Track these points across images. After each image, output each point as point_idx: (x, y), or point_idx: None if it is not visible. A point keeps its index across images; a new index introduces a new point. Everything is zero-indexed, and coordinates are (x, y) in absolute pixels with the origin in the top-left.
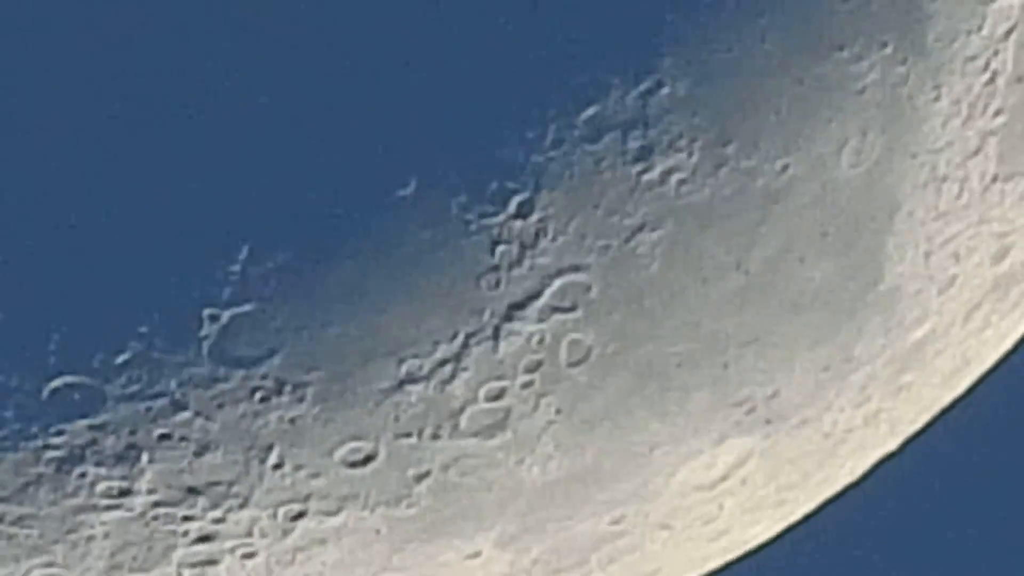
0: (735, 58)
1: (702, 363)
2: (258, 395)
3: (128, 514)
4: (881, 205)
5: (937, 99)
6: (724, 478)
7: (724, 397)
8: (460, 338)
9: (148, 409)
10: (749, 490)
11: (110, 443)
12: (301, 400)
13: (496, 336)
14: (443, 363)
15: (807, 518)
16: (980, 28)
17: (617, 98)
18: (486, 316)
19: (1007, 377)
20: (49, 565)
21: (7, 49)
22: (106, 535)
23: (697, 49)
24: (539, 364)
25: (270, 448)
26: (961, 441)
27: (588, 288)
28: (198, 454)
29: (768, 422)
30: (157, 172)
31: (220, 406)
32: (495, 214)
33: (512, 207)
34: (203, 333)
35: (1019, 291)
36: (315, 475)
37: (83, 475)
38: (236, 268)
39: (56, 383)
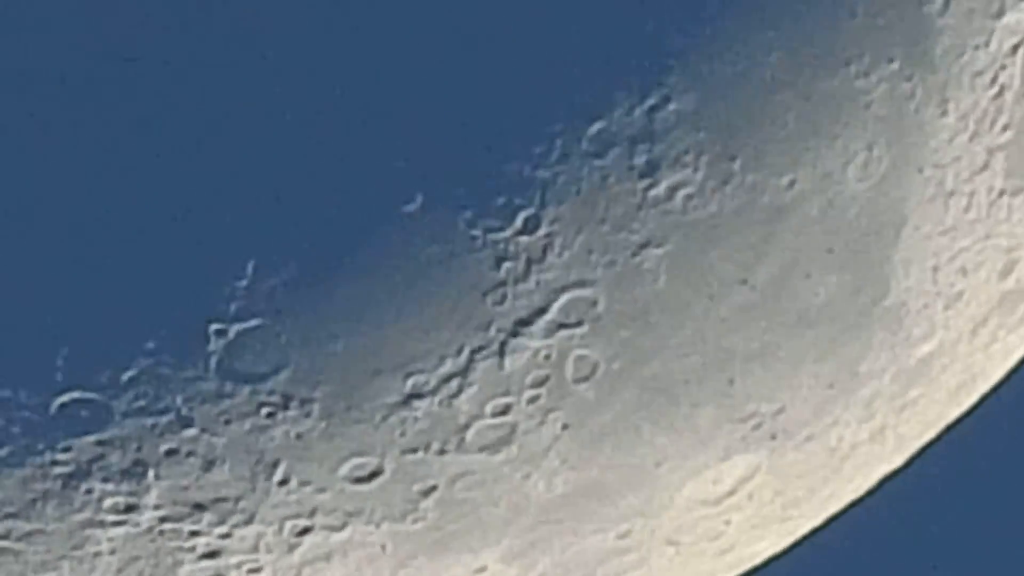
0: (741, 73)
1: (708, 378)
2: (264, 410)
3: (135, 530)
4: (888, 220)
5: (944, 114)
6: (730, 493)
7: (730, 412)
8: (466, 353)
9: (155, 425)
10: (755, 505)
11: (117, 459)
12: (307, 415)
13: (502, 351)
14: (449, 378)
15: (813, 533)
16: (987, 43)
17: (623, 113)
18: (492, 331)
19: (1015, 393)
20: None
21: (15, 68)
22: (112, 551)
23: (703, 64)
24: (545, 379)
25: (276, 464)
26: (967, 457)
27: (594, 303)
28: (204, 469)
29: (774, 438)
30: (164, 189)
31: (226, 422)
32: (501, 229)
33: (518, 222)
34: (210, 349)
35: None
36: (321, 490)
37: (90, 491)
38: (242, 284)
39: (63, 399)
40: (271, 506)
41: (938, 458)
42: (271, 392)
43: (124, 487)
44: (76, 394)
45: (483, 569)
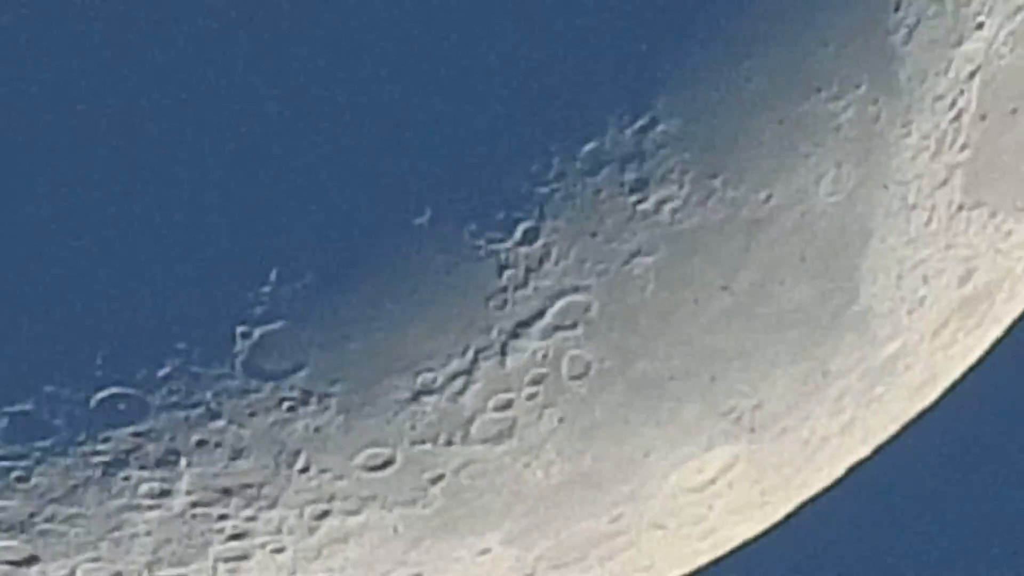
0: (723, 98)
1: (692, 376)
2: (286, 405)
3: (168, 513)
4: (856, 232)
5: (907, 135)
6: (712, 481)
7: (712, 407)
8: (470, 354)
9: (186, 417)
10: (735, 492)
11: (152, 448)
12: (325, 410)
13: (503, 352)
14: (455, 376)
15: (787, 518)
16: (947, 70)
17: (615, 134)
18: (494, 334)
19: (972, 389)
20: (96, 560)
21: (55, 89)
22: (148, 532)
23: (688, 89)
24: (543, 377)
25: (297, 453)
26: (929, 449)
27: (588, 308)
28: (232, 458)
29: (752, 430)
30: (198, 205)
31: (251, 415)
32: (502, 240)
33: (518, 234)
34: (236, 349)
35: (982, 310)
36: (338, 478)
37: (127, 478)
38: (266, 290)
39: (103, 394)
40: (293, 492)
41: (902, 449)
42: (292, 388)
43: (158, 474)
44: (115, 389)
45: (486, 551)
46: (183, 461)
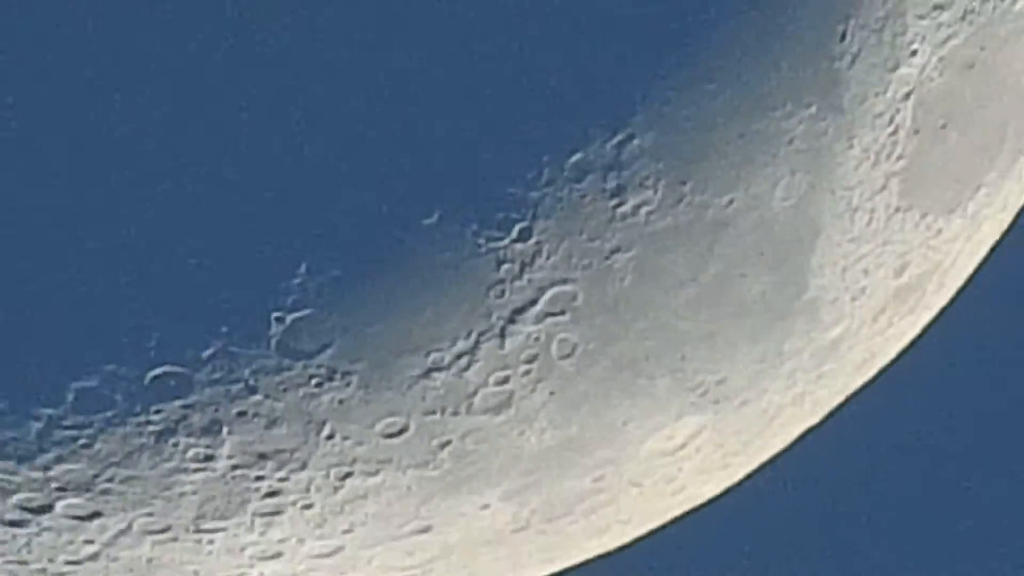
0: (691, 115)
1: (664, 356)
2: (314, 381)
3: (212, 475)
4: (806, 231)
5: (851, 147)
6: (682, 446)
7: (681, 383)
8: (473, 336)
9: (228, 392)
10: (701, 456)
11: (197, 419)
12: (348, 385)
13: (502, 335)
14: (460, 356)
15: (747, 478)
16: (885, 91)
17: (597, 147)
18: (494, 319)
19: (906, 367)
20: (149, 515)
21: (99, 84)
22: (194, 492)
23: (661, 109)
24: (536, 357)
25: (324, 423)
26: (868, 417)
27: (574, 297)
28: (267, 428)
29: (717, 402)
30: (239, 210)
31: (284, 390)
32: (500, 239)
33: (514, 233)
34: (271, 332)
35: (915, 299)
36: (359, 444)
37: (176, 444)
38: (297, 281)
39: (155, 372)
40: (320, 456)
41: (845, 418)
42: (319, 367)
43: (203, 441)
44: (166, 368)
45: (487, 506)
46: (225, 430)
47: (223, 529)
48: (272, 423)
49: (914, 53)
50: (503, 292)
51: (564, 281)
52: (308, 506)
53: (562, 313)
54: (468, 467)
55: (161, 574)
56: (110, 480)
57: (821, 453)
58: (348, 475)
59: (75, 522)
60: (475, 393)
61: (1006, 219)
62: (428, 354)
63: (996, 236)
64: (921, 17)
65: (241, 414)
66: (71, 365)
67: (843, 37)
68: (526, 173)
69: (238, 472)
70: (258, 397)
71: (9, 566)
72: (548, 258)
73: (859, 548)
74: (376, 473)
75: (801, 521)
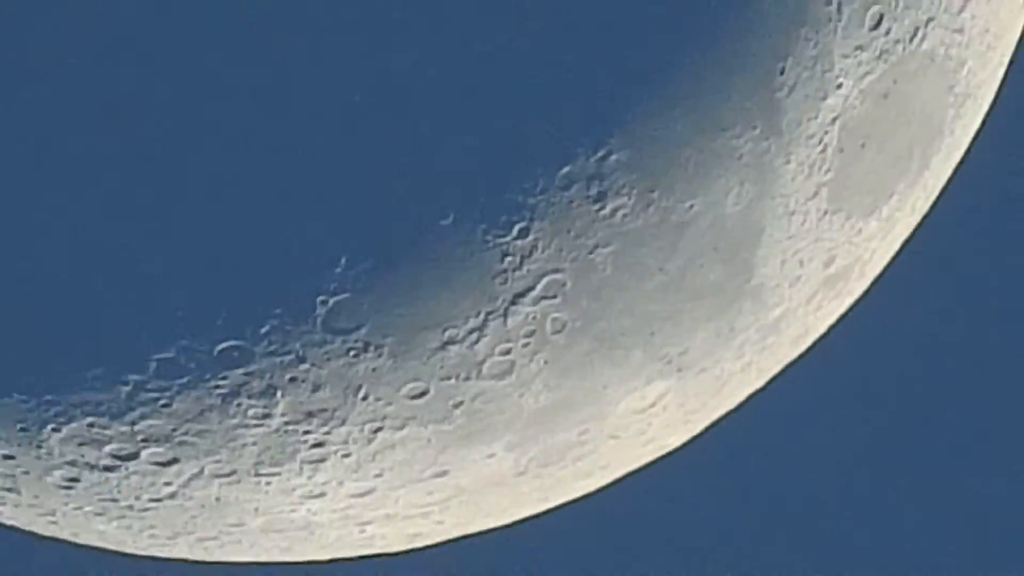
0: (659, 136)
1: (638, 332)
2: (351, 353)
3: (268, 429)
4: (752, 230)
5: (788, 163)
6: (652, 406)
7: (651, 354)
8: (482, 316)
9: (281, 362)
10: (667, 414)
11: (256, 384)
12: (379, 356)
13: (506, 315)
14: (471, 332)
15: (705, 431)
16: (816, 117)
17: (582, 161)
18: (499, 302)
19: (834, 340)
20: (217, 462)
21: (143, 85)
22: (254, 443)
23: (635, 130)
24: (533, 332)
25: (359, 387)
26: (804, 382)
27: (564, 284)
28: (313, 391)
29: (680, 370)
30: (290, 210)
31: (327, 360)
32: (504, 236)
33: (515, 232)
34: (317, 313)
35: (841, 285)
36: (388, 404)
37: (239, 404)
38: (338, 270)
39: (222, 345)
40: (356, 414)
41: (784, 383)
42: (356, 341)
43: (261, 402)
44: (231, 342)
45: (493, 455)
46: (279, 392)
47: (277, 474)
48: (317, 387)
49: (840, 86)
50: (506, 280)
51: (556, 271)
52: (347, 455)
53: (554, 297)
54: (477, 423)
55: (227, 510)
56: (185, 433)
57: (765, 412)
58: (379, 429)
59: (156, 467)
60: (483, 362)
61: (914, 221)
62: (445, 330)
63: (906, 235)
64: (845, 56)
65: (292, 380)
66: (153, 340)
67: (782, 72)
68: (525, 183)
69: (289, 427)
70: (306, 366)
71: (104, 503)
72: (543, 252)
73: (797, 486)
74: (402, 428)
75: (750, 465)
